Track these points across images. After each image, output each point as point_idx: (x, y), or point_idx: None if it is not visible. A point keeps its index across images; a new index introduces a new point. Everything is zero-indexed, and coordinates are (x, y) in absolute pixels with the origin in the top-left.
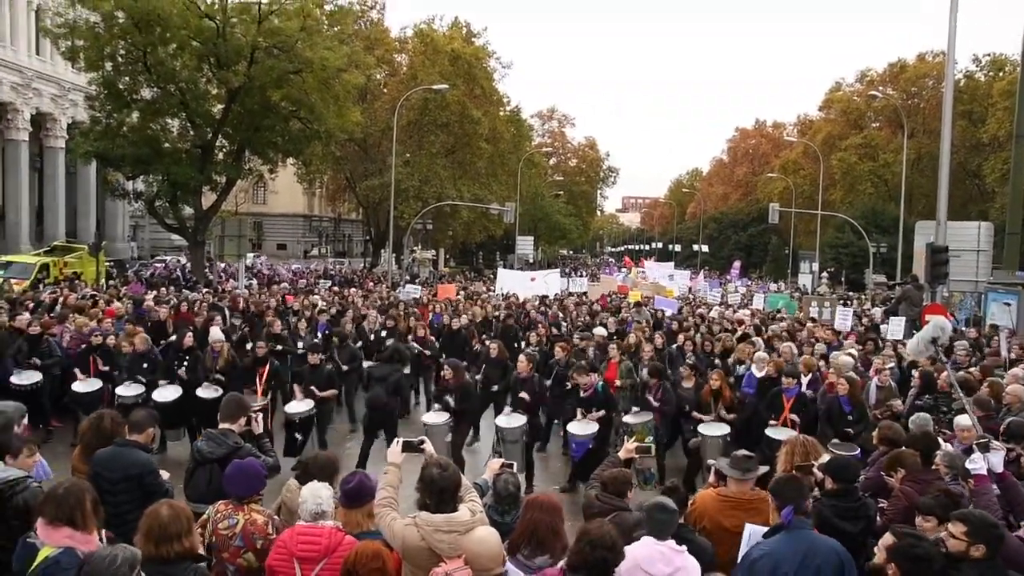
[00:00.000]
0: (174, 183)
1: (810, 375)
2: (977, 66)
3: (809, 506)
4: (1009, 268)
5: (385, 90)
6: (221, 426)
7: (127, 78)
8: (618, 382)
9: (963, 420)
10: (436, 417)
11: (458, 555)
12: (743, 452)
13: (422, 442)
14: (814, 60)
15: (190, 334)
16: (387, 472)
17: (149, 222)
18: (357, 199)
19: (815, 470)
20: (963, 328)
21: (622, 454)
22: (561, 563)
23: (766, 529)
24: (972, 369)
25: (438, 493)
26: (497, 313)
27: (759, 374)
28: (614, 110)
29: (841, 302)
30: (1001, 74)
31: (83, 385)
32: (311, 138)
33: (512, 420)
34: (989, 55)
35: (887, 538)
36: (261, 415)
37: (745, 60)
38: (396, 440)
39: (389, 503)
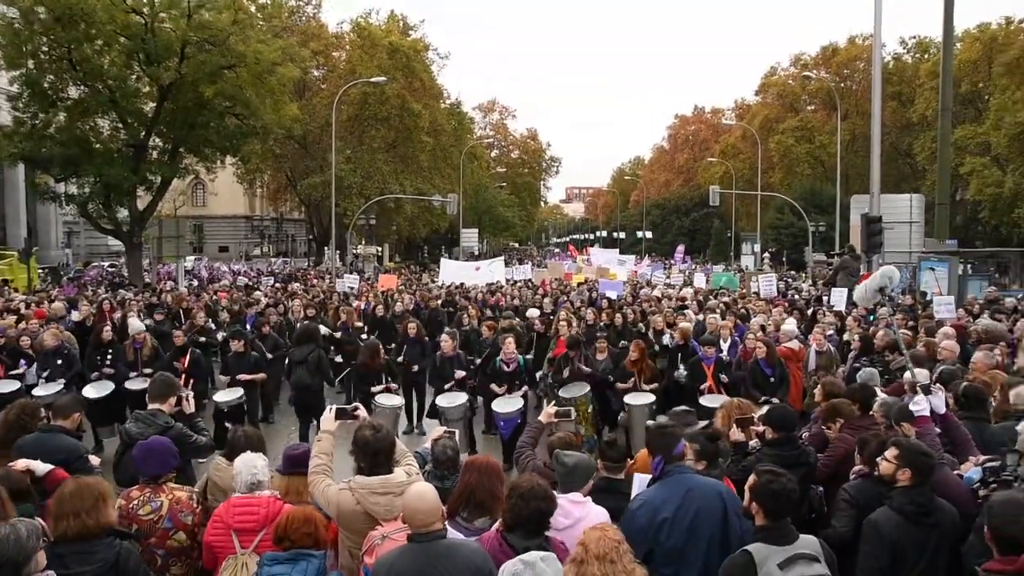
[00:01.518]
0: (107, 184)
1: (729, 341)
2: (904, 48)
3: (681, 453)
4: (940, 238)
5: (324, 86)
6: (150, 407)
7: (51, 76)
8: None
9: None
10: (450, 400)
11: (394, 517)
12: (682, 407)
13: (356, 408)
14: (749, 43)
15: (107, 328)
16: (320, 439)
17: (84, 228)
18: (299, 198)
19: (756, 420)
20: (900, 296)
21: (543, 418)
22: (497, 524)
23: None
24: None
25: (372, 455)
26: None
27: (671, 343)
28: (555, 100)
29: (770, 273)
30: (927, 56)
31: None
32: (248, 134)
33: (453, 399)
34: (915, 38)
35: (751, 479)
36: (192, 395)
37: (682, 45)
38: (329, 407)
39: (323, 470)
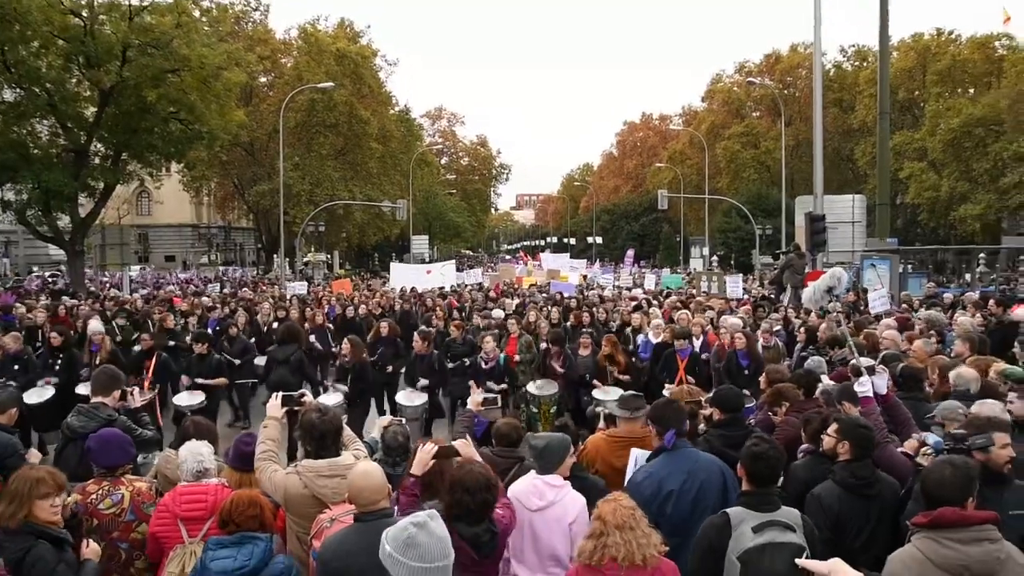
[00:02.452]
0: (46, 190)
1: (701, 337)
2: (844, 56)
3: (688, 428)
4: (881, 237)
5: (271, 92)
6: (93, 400)
7: None
8: (517, 356)
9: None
10: (409, 399)
11: (342, 499)
12: (631, 392)
13: (302, 395)
14: (695, 50)
15: (55, 334)
16: (266, 426)
17: (23, 237)
18: (247, 205)
19: (704, 403)
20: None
21: (471, 406)
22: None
23: (650, 453)
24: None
25: (318, 438)
26: (394, 303)
27: (655, 340)
28: (503, 108)
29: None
30: (865, 64)
31: None
32: (193, 139)
33: (413, 398)
34: (854, 46)
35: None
36: (137, 389)
37: (630, 55)
38: (275, 395)
39: (270, 456)
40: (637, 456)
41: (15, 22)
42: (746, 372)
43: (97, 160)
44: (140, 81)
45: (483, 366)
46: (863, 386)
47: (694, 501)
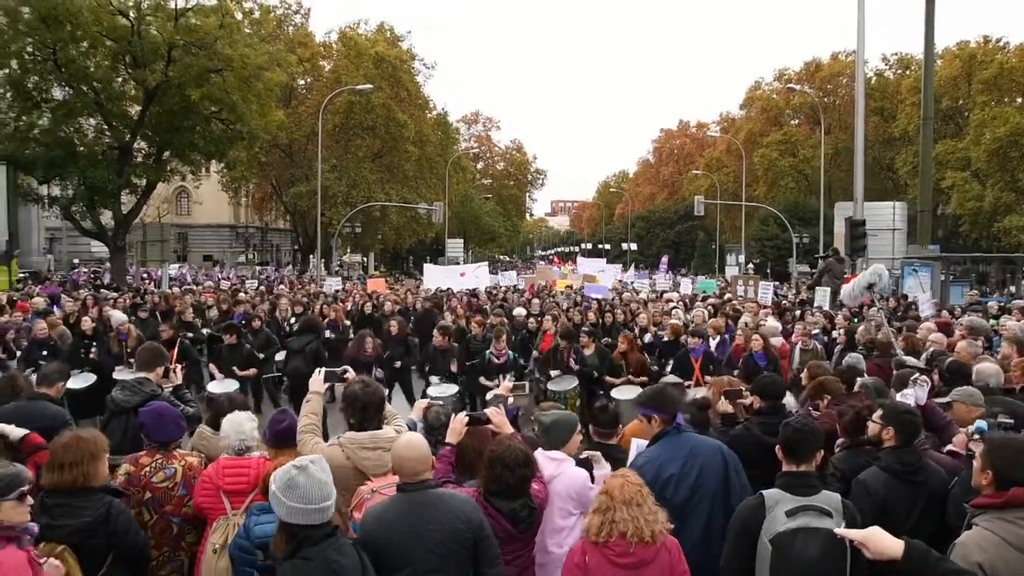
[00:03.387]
0: (91, 187)
1: (718, 338)
2: (886, 64)
3: (680, 414)
4: (923, 243)
5: (309, 95)
6: (138, 375)
7: (36, 77)
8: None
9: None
10: (441, 391)
11: (384, 472)
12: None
13: (345, 371)
14: (734, 57)
15: (87, 319)
16: (309, 400)
17: (67, 234)
18: (284, 206)
19: (745, 393)
20: (884, 300)
21: (501, 390)
22: (476, 485)
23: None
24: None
25: (361, 409)
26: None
27: (666, 338)
28: (540, 114)
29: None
30: (908, 72)
31: None
32: (234, 139)
33: (444, 390)
34: (897, 54)
35: None
36: (179, 366)
37: (668, 62)
38: (318, 370)
39: (311, 429)
40: (638, 444)
41: (67, 22)
42: (765, 373)
43: (140, 158)
44: (184, 80)
45: (496, 361)
46: (906, 397)
47: (694, 486)
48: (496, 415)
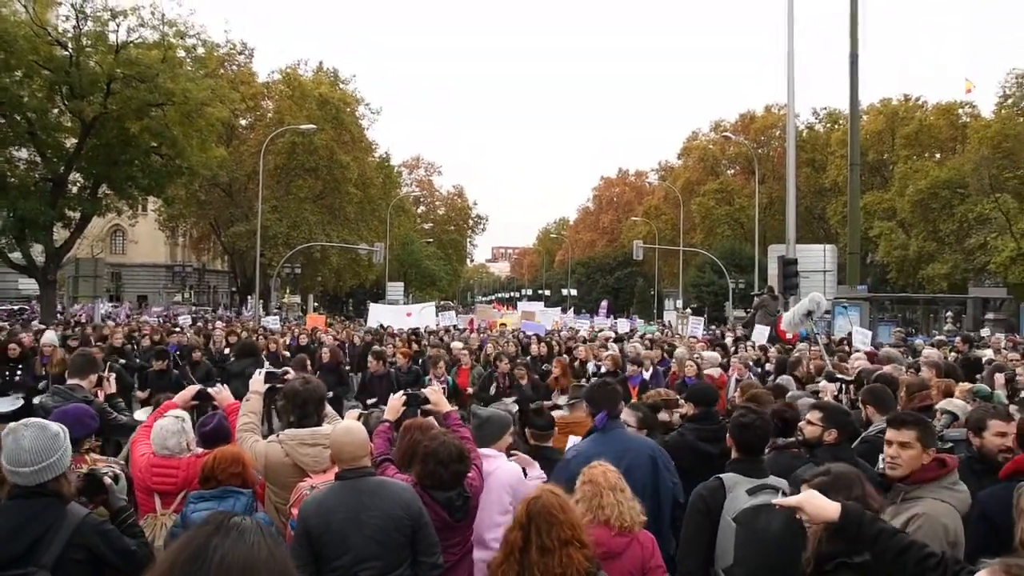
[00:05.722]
0: (22, 218)
1: (652, 369)
2: (816, 118)
3: (621, 411)
4: (851, 284)
5: (251, 135)
6: (69, 381)
7: None
8: (470, 389)
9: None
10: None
11: (323, 469)
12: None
13: (285, 372)
14: (673, 110)
15: (14, 344)
16: (249, 399)
17: None
18: (223, 246)
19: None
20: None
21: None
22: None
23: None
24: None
25: (301, 405)
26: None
27: (603, 369)
28: (481, 161)
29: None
30: (836, 126)
31: None
32: (173, 174)
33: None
34: (826, 108)
35: None
36: (113, 375)
37: (608, 111)
38: (259, 371)
39: (251, 428)
40: (573, 441)
41: (0, 51)
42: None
43: (76, 190)
44: (123, 113)
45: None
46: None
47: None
48: (433, 393)
